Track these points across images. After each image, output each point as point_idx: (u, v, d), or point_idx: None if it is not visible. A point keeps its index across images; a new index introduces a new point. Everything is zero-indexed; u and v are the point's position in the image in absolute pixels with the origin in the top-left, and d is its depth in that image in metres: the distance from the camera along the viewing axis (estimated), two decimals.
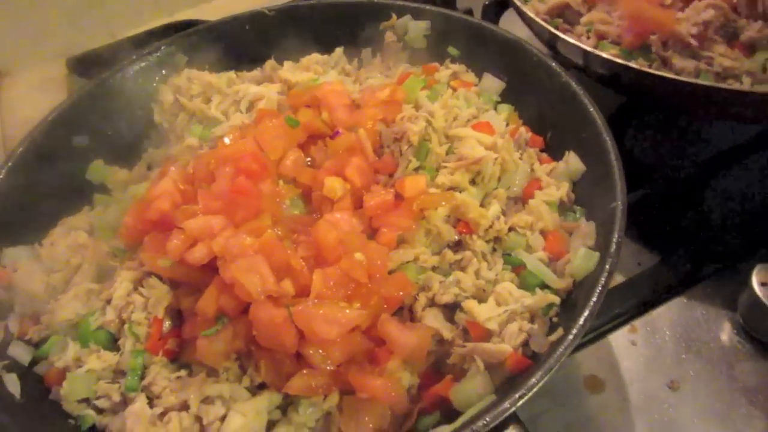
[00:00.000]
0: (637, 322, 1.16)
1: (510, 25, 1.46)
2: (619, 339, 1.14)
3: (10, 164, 1.14)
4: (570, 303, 0.93)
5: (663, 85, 1.13)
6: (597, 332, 1.14)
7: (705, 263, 1.20)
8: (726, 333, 1.13)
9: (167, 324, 0.96)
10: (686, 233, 1.24)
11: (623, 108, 1.34)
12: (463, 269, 0.97)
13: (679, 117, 1.40)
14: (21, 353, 0.98)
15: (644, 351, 1.12)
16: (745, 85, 1.14)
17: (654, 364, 1.10)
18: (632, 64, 1.15)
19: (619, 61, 1.15)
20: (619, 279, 1.21)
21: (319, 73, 1.30)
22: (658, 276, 1.19)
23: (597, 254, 0.91)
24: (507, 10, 1.58)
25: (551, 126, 1.17)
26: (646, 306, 1.17)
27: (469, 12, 1.61)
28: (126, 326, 0.96)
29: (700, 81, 1.13)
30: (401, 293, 0.92)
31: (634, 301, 1.17)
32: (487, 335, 0.90)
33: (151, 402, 0.89)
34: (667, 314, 1.16)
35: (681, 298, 1.18)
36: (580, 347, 1.12)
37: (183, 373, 0.92)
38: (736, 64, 1.17)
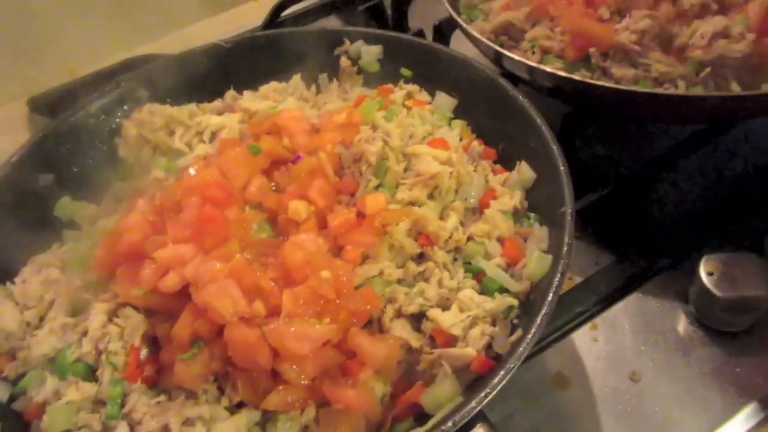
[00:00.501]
0: (598, 319, 1.21)
1: (461, 42, 1.53)
2: (581, 336, 1.19)
3: None
4: (529, 304, 0.98)
5: (605, 94, 1.20)
6: (561, 331, 1.19)
7: (657, 258, 1.26)
8: (681, 323, 1.19)
9: (144, 351, 0.98)
10: (639, 231, 1.31)
11: (573, 116, 1.40)
12: (426, 280, 1.02)
13: (625, 121, 1.48)
14: None
15: (605, 346, 1.17)
16: (680, 89, 1.22)
17: (615, 357, 1.15)
18: (574, 76, 1.21)
19: (562, 73, 1.21)
20: (578, 279, 1.27)
21: (278, 100, 1.34)
22: (614, 274, 1.25)
23: (550, 257, 0.96)
24: (457, 29, 1.65)
25: (503, 138, 1.22)
26: (605, 303, 1.23)
27: (421, 32, 1.67)
28: (103, 356, 0.97)
29: (638, 88, 1.20)
30: (369, 306, 0.96)
31: (593, 299, 1.22)
32: (452, 341, 0.94)
33: (132, 429, 0.91)
34: (626, 309, 1.22)
35: (637, 294, 1.24)
36: (545, 347, 1.18)
37: (162, 398, 0.94)
38: (671, 69, 1.24)
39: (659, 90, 1.21)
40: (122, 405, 0.94)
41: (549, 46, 1.35)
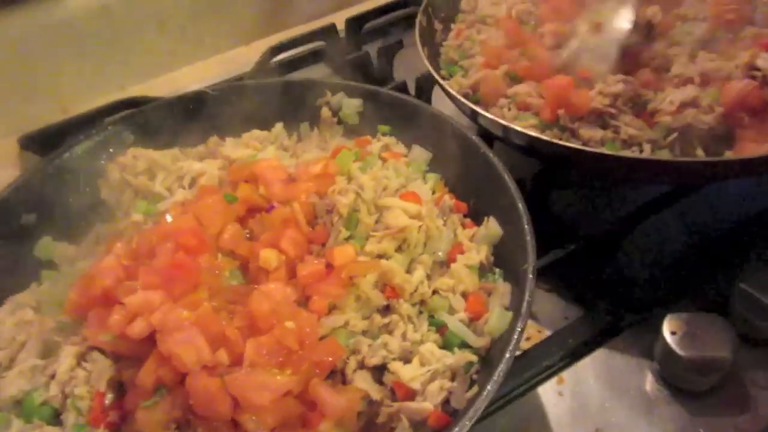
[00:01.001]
0: (564, 374, 1.22)
1: (442, 96, 1.58)
2: (547, 390, 1.20)
3: None
4: (488, 360, 1.00)
5: (573, 154, 1.23)
6: (527, 385, 1.21)
7: (623, 315, 1.28)
8: (646, 380, 1.20)
9: (109, 397, 1.00)
10: (607, 287, 1.33)
11: (546, 172, 1.44)
12: (390, 332, 1.03)
13: (595, 180, 1.51)
14: None
15: (570, 402, 1.18)
16: (646, 152, 1.26)
17: (580, 413, 1.16)
18: (543, 136, 1.25)
19: (532, 133, 1.25)
20: (547, 332, 1.29)
21: (258, 149, 1.38)
22: (581, 328, 1.27)
23: (510, 314, 0.99)
24: None
25: (474, 193, 1.26)
26: (572, 357, 1.24)
27: (404, 84, 1.72)
28: (69, 401, 0.99)
29: (604, 150, 1.25)
30: (331, 358, 0.97)
31: (560, 353, 1.24)
32: (412, 394, 0.96)
33: None
34: (592, 365, 1.23)
35: (604, 349, 1.25)
36: (511, 400, 1.19)
37: None
38: (640, 133, 1.29)
39: (624, 153, 1.25)
40: None
41: (530, 102, 1.39)
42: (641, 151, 1.25)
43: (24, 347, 1.08)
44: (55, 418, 1.00)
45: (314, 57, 2.02)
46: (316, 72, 2.00)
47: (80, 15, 1.88)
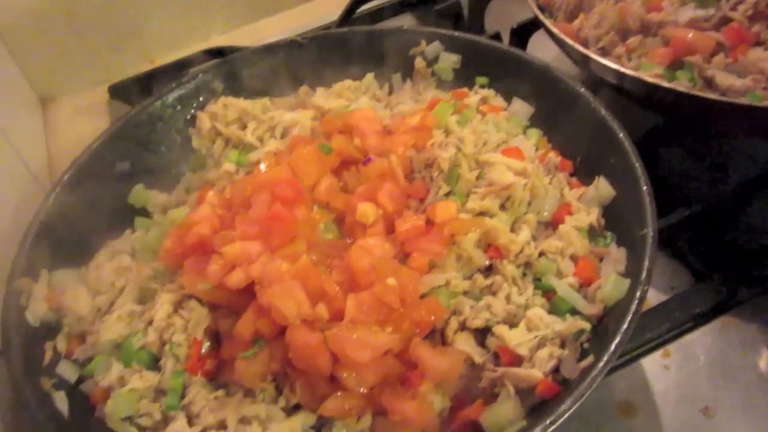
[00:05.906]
0: (671, 347, 1.14)
1: (538, 47, 1.48)
2: (652, 363, 1.13)
3: (57, 190, 1.19)
4: (601, 329, 0.93)
5: (709, 107, 1.09)
6: (629, 356, 1.13)
7: (741, 287, 1.18)
8: (763, 359, 1.11)
9: (206, 345, 1.00)
10: (722, 256, 1.22)
11: (659, 128, 1.33)
12: (493, 294, 0.98)
13: (718, 137, 1.38)
14: (68, 372, 1.02)
15: (677, 376, 1.11)
16: None
17: (688, 389, 1.09)
18: (678, 87, 1.10)
19: (664, 84, 1.11)
20: (652, 302, 1.20)
21: (351, 99, 1.33)
22: (691, 300, 1.18)
23: (628, 281, 0.92)
24: (537, 31, 1.59)
25: (581, 150, 1.17)
26: (679, 330, 1.16)
27: (498, 35, 1.63)
28: (167, 347, 0.99)
29: (747, 101, 1.08)
30: (433, 318, 0.93)
31: (667, 326, 1.15)
32: (517, 360, 0.91)
33: (190, 421, 0.92)
34: (702, 339, 1.15)
35: (716, 322, 1.16)
36: (612, 371, 1.11)
37: (221, 393, 0.95)
38: None
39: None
40: (182, 396, 0.95)
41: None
42: None
43: (122, 292, 1.10)
44: (154, 363, 1.01)
45: (400, 7, 1.93)
46: (403, 22, 1.92)
47: None
